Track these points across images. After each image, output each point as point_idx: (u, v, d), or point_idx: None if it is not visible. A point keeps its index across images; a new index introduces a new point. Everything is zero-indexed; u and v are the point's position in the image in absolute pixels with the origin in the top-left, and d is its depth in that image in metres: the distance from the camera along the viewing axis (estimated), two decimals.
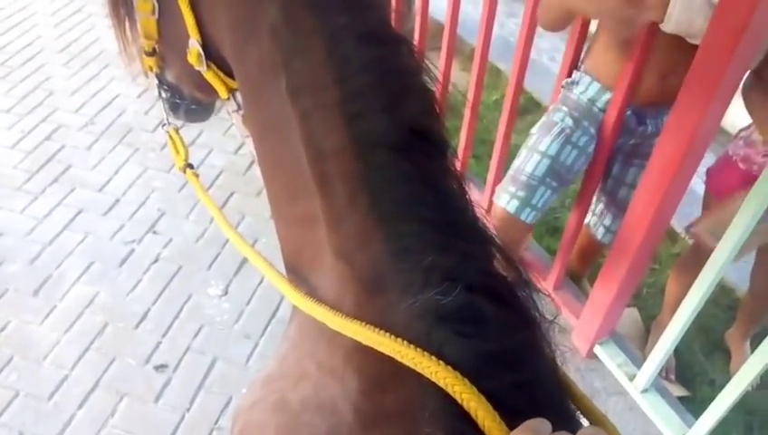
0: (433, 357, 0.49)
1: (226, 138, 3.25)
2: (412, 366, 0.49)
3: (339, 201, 0.58)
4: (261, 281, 2.56)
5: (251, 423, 0.77)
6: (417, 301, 0.52)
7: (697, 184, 3.35)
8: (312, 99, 0.58)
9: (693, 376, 2.33)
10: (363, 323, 0.55)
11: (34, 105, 3.42)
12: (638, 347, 2.32)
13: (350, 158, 0.57)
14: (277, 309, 2.46)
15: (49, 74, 3.66)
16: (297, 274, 0.71)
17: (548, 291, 2.23)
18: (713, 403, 1.65)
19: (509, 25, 4.35)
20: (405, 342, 0.51)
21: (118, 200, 2.89)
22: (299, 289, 0.66)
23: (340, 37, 0.58)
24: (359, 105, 0.57)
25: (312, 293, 0.65)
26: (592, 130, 1.89)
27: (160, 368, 2.25)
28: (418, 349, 0.50)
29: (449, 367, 0.48)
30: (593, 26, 1.97)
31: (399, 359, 0.50)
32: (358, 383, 0.60)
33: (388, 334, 0.52)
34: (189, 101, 1.07)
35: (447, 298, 0.50)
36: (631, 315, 2.45)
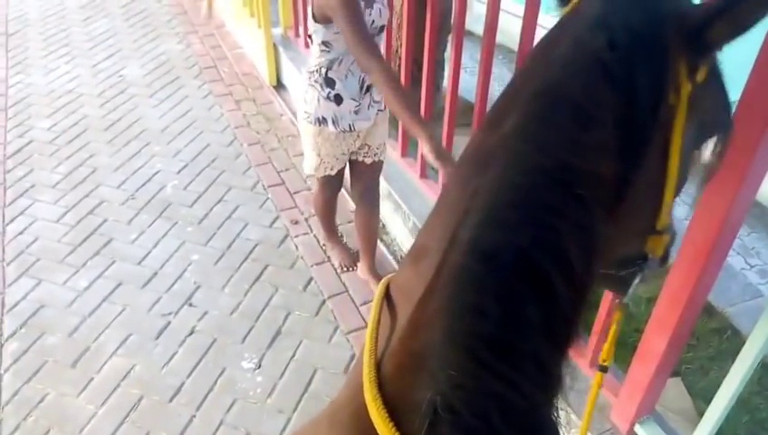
0: None
1: (262, 211, 3.34)
2: None
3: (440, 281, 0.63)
4: (293, 354, 2.57)
5: None
6: (433, 396, 0.57)
7: (733, 258, 3.33)
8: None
9: None
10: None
11: (79, 181, 3.58)
12: (683, 419, 2.25)
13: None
14: (309, 383, 2.46)
15: (93, 152, 3.84)
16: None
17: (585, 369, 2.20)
18: None
19: None
20: None
21: (156, 273, 2.96)
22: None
23: None
24: None
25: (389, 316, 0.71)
26: None
27: None
28: None
29: None
30: None
31: None
32: None
33: None
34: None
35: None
36: (676, 386, 2.40)
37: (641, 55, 0.63)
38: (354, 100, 2.30)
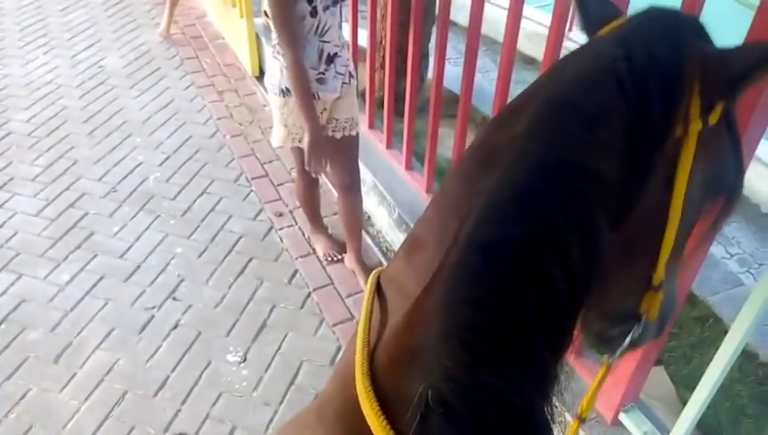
0: None
1: (246, 204, 3.31)
2: None
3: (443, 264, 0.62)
4: (279, 347, 2.56)
5: None
6: (426, 389, 0.56)
7: (714, 247, 3.37)
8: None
9: None
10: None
11: (59, 174, 3.53)
12: (666, 406, 2.28)
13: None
14: (296, 376, 2.45)
15: (73, 144, 3.79)
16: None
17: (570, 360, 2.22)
18: None
19: (518, 92, 4.48)
20: None
21: (138, 266, 2.93)
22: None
23: None
24: None
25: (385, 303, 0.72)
26: None
27: None
28: None
29: None
30: None
31: None
32: None
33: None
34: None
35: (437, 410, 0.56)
36: (659, 375, 2.43)
37: (656, 73, 0.64)
38: (314, 69, 2.31)
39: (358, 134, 2.60)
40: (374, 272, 0.78)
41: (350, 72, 2.46)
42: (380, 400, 0.61)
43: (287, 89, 2.31)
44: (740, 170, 0.77)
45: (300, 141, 2.42)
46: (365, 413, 0.60)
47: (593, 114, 0.62)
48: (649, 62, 0.64)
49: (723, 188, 0.76)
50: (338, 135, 2.53)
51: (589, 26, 0.78)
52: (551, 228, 0.59)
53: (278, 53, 2.29)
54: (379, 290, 0.74)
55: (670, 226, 0.69)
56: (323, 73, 2.34)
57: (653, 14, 0.70)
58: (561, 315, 0.62)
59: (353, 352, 0.67)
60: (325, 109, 2.43)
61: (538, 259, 0.58)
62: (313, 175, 2.48)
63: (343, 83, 2.43)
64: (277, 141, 2.58)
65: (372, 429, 0.59)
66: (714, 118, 0.68)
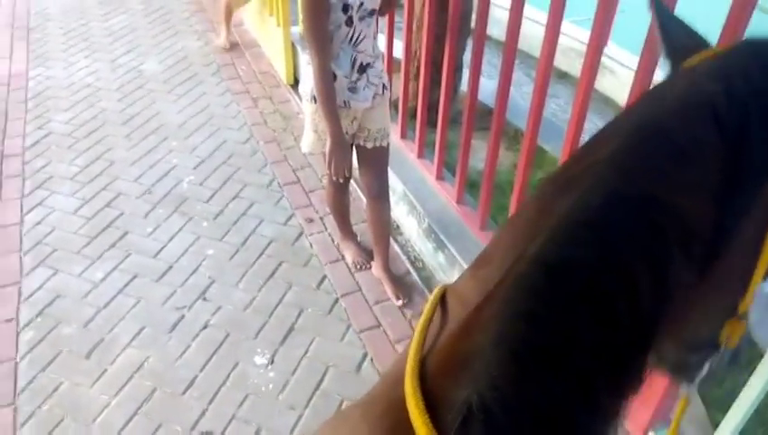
0: None
1: (277, 209, 3.35)
2: None
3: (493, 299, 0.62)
4: (306, 351, 2.58)
5: None
6: (471, 395, 0.56)
7: None
8: None
9: None
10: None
11: (96, 174, 3.61)
12: (698, 428, 2.24)
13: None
14: (321, 381, 2.46)
15: (111, 145, 3.88)
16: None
17: None
18: None
19: (550, 106, 4.48)
20: None
21: (171, 267, 2.98)
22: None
23: None
24: None
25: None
26: None
27: None
28: None
29: None
30: None
31: None
32: None
33: None
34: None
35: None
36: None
37: (758, 110, 0.60)
38: (347, 77, 2.35)
39: (389, 145, 2.63)
40: (440, 285, 0.79)
41: (383, 84, 2.48)
42: (426, 401, 0.61)
43: None
44: None
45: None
46: (409, 412, 0.61)
47: (684, 148, 0.59)
48: (751, 97, 0.60)
49: None
50: (369, 145, 2.55)
51: (673, 55, 0.75)
52: (620, 258, 0.57)
53: (309, 60, 2.33)
54: (442, 301, 0.75)
55: (764, 256, 0.66)
56: (355, 83, 2.37)
57: (752, 46, 0.67)
58: (621, 349, 0.60)
59: (405, 356, 0.68)
60: (356, 118, 2.45)
61: (602, 285, 0.57)
62: (333, 178, 2.51)
63: (376, 94, 2.45)
64: (307, 147, 2.61)
65: (415, 427, 0.60)
66: None
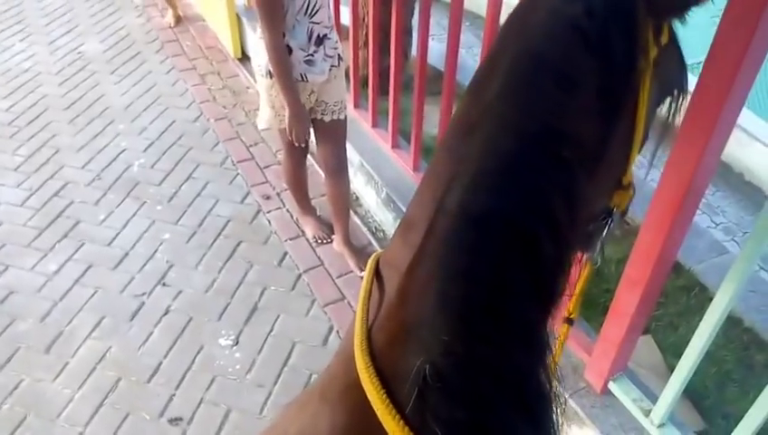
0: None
1: (232, 187, 3.30)
2: None
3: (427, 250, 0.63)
4: (271, 329, 2.57)
5: None
6: (423, 364, 0.56)
7: (699, 216, 3.40)
8: None
9: (707, 409, 2.33)
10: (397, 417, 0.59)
11: (41, 163, 3.49)
12: (655, 374, 2.32)
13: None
14: (289, 357, 2.46)
15: (55, 132, 3.74)
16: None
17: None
18: None
19: None
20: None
21: (127, 254, 2.92)
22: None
23: None
24: None
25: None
26: None
27: (175, 421, 2.25)
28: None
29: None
30: None
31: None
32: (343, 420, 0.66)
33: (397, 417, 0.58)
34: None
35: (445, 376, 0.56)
36: (647, 343, 2.46)
37: (616, 23, 0.65)
38: (303, 50, 2.29)
39: (346, 117, 2.59)
40: (374, 255, 0.78)
41: (338, 55, 2.43)
42: (381, 377, 0.61)
43: None
44: (686, 68, 0.83)
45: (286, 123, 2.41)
46: (366, 390, 0.61)
47: (566, 73, 0.63)
48: (609, 11, 0.65)
49: (674, 88, 0.82)
50: (326, 118, 2.51)
51: None
52: (540, 200, 0.60)
53: (261, 34, 2.26)
54: (377, 272, 0.74)
55: (636, 139, 0.75)
56: (312, 55, 2.31)
57: None
58: (550, 280, 0.63)
59: (353, 332, 0.67)
60: (313, 91, 2.41)
61: (529, 230, 0.59)
62: (296, 144, 2.47)
63: (332, 66, 2.41)
64: (264, 123, 2.56)
65: (373, 404, 0.59)
66: (665, 38, 0.72)
